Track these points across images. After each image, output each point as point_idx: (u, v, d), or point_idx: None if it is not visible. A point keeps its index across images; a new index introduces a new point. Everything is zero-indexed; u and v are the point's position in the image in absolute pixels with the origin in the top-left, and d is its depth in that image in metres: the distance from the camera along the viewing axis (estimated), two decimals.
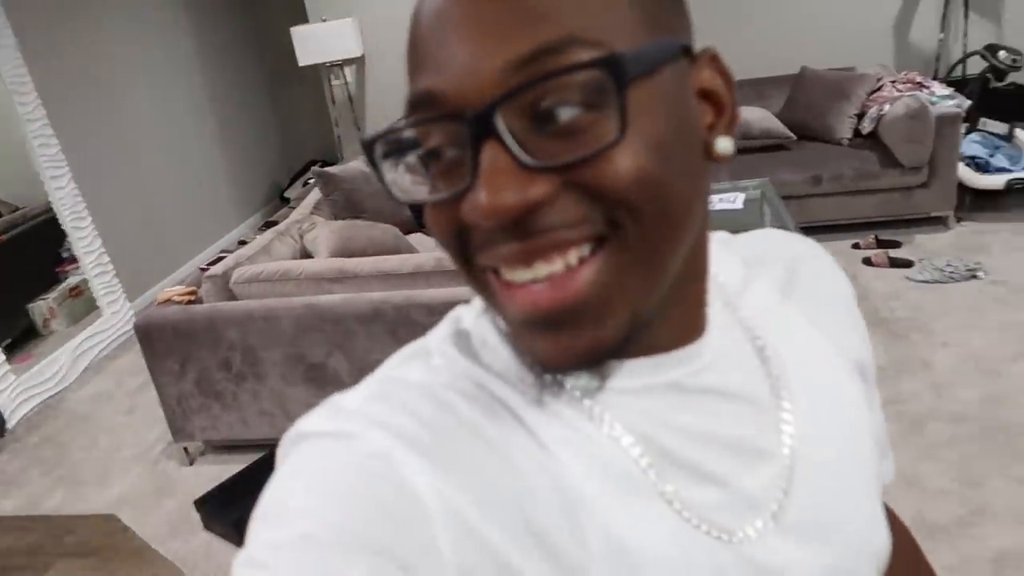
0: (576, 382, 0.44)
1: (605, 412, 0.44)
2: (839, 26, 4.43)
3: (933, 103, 3.69)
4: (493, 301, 0.41)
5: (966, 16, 4.16)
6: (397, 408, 0.41)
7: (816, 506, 0.48)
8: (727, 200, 2.93)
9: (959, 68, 4.08)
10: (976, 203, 3.85)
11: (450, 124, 0.37)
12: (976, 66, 3.98)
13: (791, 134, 4.02)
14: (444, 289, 2.40)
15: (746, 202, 2.91)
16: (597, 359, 0.41)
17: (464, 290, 2.39)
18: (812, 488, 0.48)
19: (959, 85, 3.99)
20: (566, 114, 0.35)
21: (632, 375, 0.44)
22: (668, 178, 0.37)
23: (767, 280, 0.54)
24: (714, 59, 0.42)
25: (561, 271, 0.37)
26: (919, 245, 3.66)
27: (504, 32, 0.35)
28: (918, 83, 3.90)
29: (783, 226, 2.68)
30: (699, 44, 0.42)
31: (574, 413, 0.44)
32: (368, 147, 0.39)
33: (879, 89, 3.95)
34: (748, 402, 0.48)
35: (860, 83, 3.97)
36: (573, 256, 0.37)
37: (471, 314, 0.48)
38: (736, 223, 2.29)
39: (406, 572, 0.36)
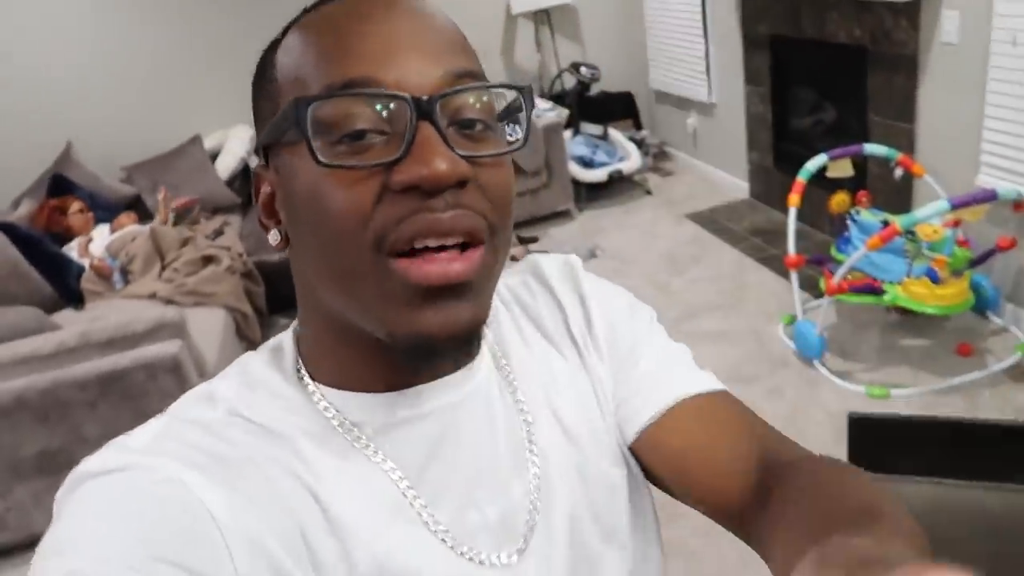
0: (354, 417, 0.50)
1: (375, 445, 0.50)
2: None
3: (538, 116, 4.28)
4: (385, 281, 0.45)
5: (553, 38, 4.88)
6: (182, 442, 0.46)
7: (561, 528, 0.54)
8: None
9: (558, 83, 4.77)
10: (591, 194, 4.54)
11: (396, 102, 0.44)
12: (572, 80, 4.68)
13: None
14: (93, 362, 2.32)
15: None
16: (473, 334, 0.48)
17: (122, 358, 2.32)
18: (560, 511, 0.54)
19: (560, 98, 4.67)
20: (477, 125, 0.47)
21: (401, 406, 0.51)
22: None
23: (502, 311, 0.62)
24: None
25: (459, 249, 0.46)
26: (552, 236, 4.23)
27: (440, 52, 0.47)
28: None
29: None
30: None
31: (349, 447, 0.50)
32: (302, 107, 0.44)
33: None
34: (506, 429, 0.54)
35: None
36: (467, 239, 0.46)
37: (259, 362, 0.53)
38: None
39: None
